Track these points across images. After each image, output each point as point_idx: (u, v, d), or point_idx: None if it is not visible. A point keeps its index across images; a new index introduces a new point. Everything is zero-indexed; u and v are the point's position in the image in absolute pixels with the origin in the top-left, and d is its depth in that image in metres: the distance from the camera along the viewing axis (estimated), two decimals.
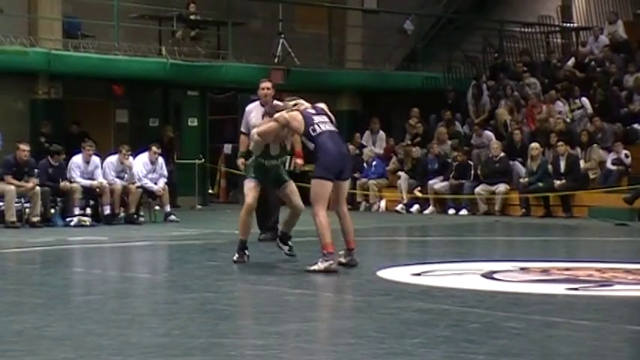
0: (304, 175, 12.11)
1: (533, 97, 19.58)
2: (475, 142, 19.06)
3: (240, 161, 10.87)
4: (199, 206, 19.13)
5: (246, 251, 9.06)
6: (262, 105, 10.92)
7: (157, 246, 11.61)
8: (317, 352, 5.13)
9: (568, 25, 24.81)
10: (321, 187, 8.42)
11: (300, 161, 11.06)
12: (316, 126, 8.59)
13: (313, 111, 8.76)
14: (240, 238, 9.04)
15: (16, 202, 14.26)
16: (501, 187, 17.43)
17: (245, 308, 6.64)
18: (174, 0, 20.20)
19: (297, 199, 8.99)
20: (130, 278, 8.54)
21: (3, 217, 14.20)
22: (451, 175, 18.12)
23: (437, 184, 18.22)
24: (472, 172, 18.03)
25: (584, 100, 19.00)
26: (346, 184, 8.79)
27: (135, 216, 15.13)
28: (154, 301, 7.19)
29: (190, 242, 11.61)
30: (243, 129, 11.23)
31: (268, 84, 11.06)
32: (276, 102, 10.07)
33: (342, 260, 8.68)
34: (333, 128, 8.72)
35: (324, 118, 8.74)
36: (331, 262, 8.32)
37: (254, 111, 11.05)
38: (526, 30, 23.77)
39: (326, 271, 8.22)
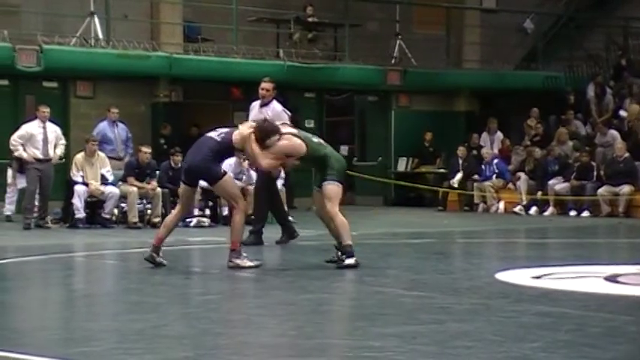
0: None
1: None
2: (599, 142, 18.60)
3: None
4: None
5: None
6: (261, 106, 11.06)
7: (272, 246, 11.68)
8: (434, 355, 5.07)
9: None
10: None
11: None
12: None
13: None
14: None
15: (138, 204, 14.61)
16: (625, 188, 16.97)
17: (361, 310, 6.61)
18: (292, 3, 20.37)
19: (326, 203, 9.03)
20: (247, 279, 8.61)
21: (126, 218, 14.57)
22: (572, 176, 17.73)
23: (557, 185, 17.85)
24: (595, 172, 17.60)
25: None
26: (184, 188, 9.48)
27: (252, 217, 15.24)
28: (270, 301, 7.22)
29: (306, 243, 11.65)
30: None
31: (268, 85, 11.12)
32: None
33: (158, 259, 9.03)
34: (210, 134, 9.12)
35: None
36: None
37: (254, 109, 11.23)
38: None
39: None
